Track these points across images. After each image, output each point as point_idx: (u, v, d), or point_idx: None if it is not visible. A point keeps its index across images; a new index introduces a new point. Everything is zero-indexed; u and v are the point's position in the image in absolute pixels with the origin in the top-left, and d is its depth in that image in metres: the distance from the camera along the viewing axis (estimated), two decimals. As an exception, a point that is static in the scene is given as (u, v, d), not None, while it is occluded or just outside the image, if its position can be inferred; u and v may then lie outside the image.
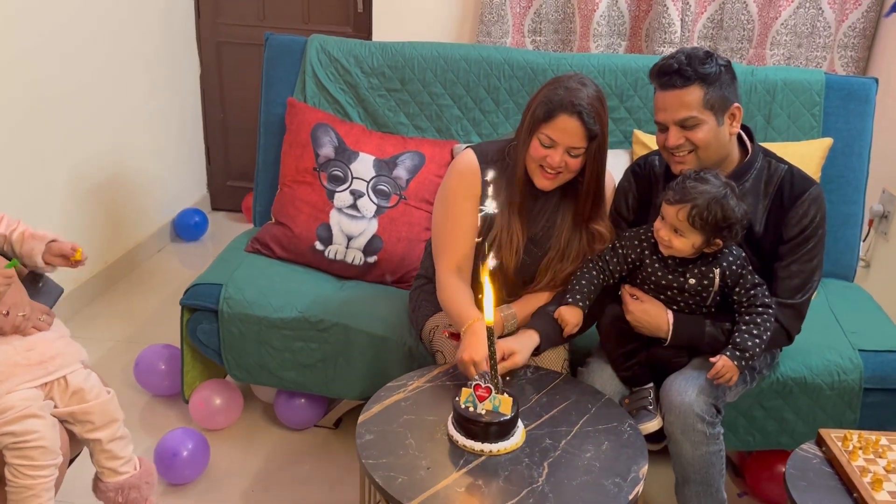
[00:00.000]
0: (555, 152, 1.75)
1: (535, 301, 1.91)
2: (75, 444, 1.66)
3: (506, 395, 1.46)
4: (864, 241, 2.81)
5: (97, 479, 1.71)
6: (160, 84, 3.45)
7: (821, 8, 2.99)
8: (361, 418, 1.53)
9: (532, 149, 1.78)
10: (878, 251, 2.86)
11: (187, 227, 3.63)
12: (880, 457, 1.57)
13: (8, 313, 1.53)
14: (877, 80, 2.41)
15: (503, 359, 1.68)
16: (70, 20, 2.79)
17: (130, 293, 3.15)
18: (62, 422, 1.62)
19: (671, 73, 1.70)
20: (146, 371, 2.43)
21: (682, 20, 3.08)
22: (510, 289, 1.92)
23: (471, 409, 1.45)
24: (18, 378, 1.52)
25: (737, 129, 1.77)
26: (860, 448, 1.59)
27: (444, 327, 1.88)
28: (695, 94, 1.69)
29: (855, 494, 1.48)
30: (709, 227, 1.65)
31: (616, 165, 2.18)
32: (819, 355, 1.98)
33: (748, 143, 1.83)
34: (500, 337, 1.79)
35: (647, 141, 2.39)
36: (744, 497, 2.16)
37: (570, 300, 1.79)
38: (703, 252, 1.72)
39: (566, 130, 1.73)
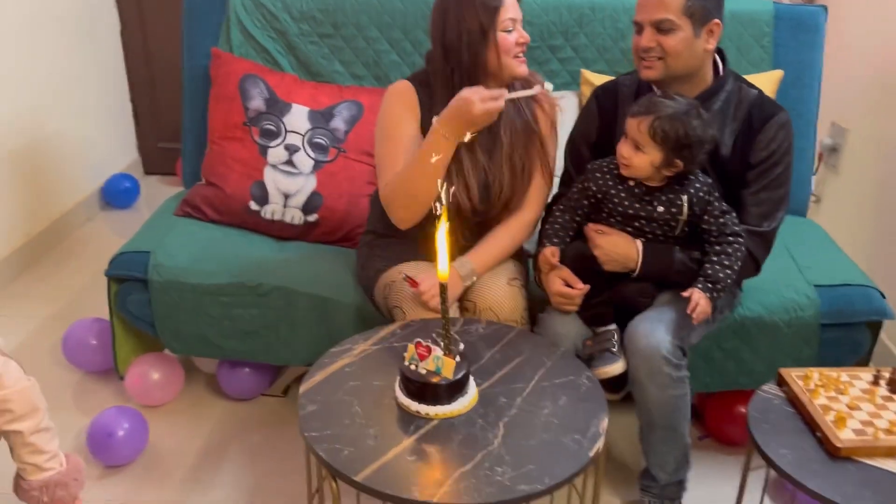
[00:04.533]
0: (517, 31, 1.74)
1: (492, 247, 1.83)
2: None
3: (451, 356, 1.36)
4: (814, 175, 2.79)
5: (18, 478, 1.56)
6: (77, 42, 3.20)
7: (767, -64, 2.90)
8: (303, 388, 1.42)
9: (503, 43, 1.72)
10: (829, 185, 2.84)
11: (117, 194, 3.43)
12: (842, 394, 1.54)
13: None
14: (825, 9, 2.34)
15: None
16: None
17: (57, 267, 2.96)
18: None
19: None
20: (76, 347, 2.28)
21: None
22: (466, 229, 1.84)
23: (413, 367, 1.36)
24: None
25: (712, 45, 1.69)
26: (821, 386, 1.55)
27: (401, 281, 1.77)
28: None
29: (818, 433, 1.44)
30: (670, 142, 1.59)
31: (564, 108, 2.09)
32: (775, 293, 1.93)
33: (721, 67, 1.76)
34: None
35: (595, 81, 2.28)
36: (705, 440, 2.13)
37: (546, 243, 1.75)
38: (668, 178, 1.65)
39: (513, 5, 1.73)
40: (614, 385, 1.69)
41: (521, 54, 1.75)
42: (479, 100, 1.66)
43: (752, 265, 1.75)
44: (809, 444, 1.43)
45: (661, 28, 1.63)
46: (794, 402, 1.55)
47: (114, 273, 2.04)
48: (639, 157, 1.63)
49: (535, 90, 1.77)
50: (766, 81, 2.26)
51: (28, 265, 2.92)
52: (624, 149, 1.65)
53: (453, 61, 1.75)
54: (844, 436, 1.42)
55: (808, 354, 1.93)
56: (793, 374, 1.59)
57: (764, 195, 1.72)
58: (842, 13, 2.73)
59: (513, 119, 1.81)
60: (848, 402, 1.51)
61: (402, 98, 1.80)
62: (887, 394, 1.55)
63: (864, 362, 1.99)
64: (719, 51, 1.77)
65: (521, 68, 1.76)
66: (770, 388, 1.60)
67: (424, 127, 1.78)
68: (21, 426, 1.48)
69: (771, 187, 1.72)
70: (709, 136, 1.62)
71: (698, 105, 1.63)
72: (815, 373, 1.58)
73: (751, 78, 2.25)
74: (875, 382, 1.58)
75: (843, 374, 1.59)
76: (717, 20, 1.67)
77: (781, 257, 2.09)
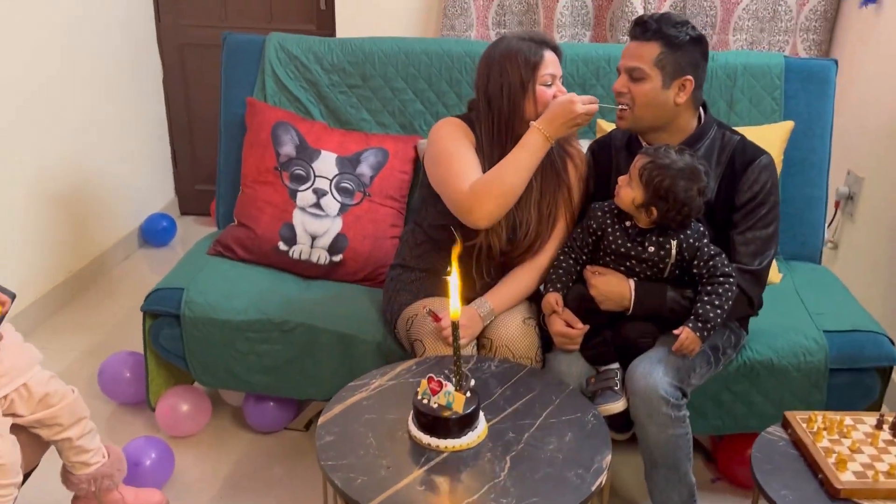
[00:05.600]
0: (555, 86, 1.87)
1: (510, 288, 1.91)
2: (36, 453, 1.63)
3: (462, 392, 1.43)
4: (831, 223, 2.83)
5: (67, 473, 1.70)
6: (122, 89, 3.39)
7: (781, -8, 3.00)
8: (322, 419, 1.50)
9: (541, 96, 1.84)
10: (846, 232, 2.88)
11: (155, 233, 3.59)
12: (845, 437, 1.57)
13: None
14: (836, 62, 2.42)
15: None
16: (25, 25, 2.73)
17: (97, 302, 3.10)
18: (31, 428, 1.58)
19: (639, 25, 1.77)
20: (111, 380, 2.39)
21: (644, 8, 3.08)
22: (491, 267, 1.93)
23: (425, 401, 1.43)
24: None
25: (683, 99, 1.79)
26: (825, 429, 1.58)
27: (424, 315, 1.86)
28: (651, 49, 1.75)
29: (820, 476, 1.48)
30: (650, 187, 1.69)
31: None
32: (784, 337, 1.97)
33: (703, 116, 1.86)
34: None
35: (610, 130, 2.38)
36: (717, 482, 2.16)
37: (550, 289, 1.85)
38: (658, 221, 1.74)
39: (553, 62, 1.87)
40: (620, 424, 1.74)
41: None
42: (580, 101, 1.78)
43: (746, 302, 1.81)
44: (811, 485, 1.47)
45: (633, 76, 1.77)
46: (797, 444, 1.59)
47: (149, 308, 2.15)
48: (626, 189, 1.74)
49: (620, 107, 1.86)
50: (778, 132, 2.34)
51: (69, 300, 3.06)
52: (621, 178, 1.76)
53: (494, 109, 1.88)
54: (845, 478, 1.45)
55: (818, 398, 1.96)
56: (797, 417, 1.63)
57: (751, 235, 1.80)
58: (854, 66, 2.80)
59: (545, 167, 1.91)
60: (850, 444, 1.55)
61: (457, 126, 1.93)
62: (890, 438, 1.58)
63: (875, 407, 2.01)
64: (703, 104, 1.88)
65: None
66: (775, 431, 1.64)
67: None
68: (69, 434, 1.62)
69: (758, 227, 1.80)
70: (692, 203, 1.70)
71: (701, 172, 1.70)
72: (819, 416, 1.62)
73: (762, 128, 2.35)
74: (878, 426, 1.61)
75: (846, 418, 1.63)
76: (689, 77, 1.76)
77: (792, 303, 2.14)
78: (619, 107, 1.84)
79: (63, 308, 3.02)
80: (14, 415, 1.54)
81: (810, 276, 2.30)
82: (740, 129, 2.21)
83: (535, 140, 1.80)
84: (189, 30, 3.64)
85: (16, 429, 1.57)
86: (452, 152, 1.88)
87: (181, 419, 2.25)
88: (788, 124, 2.35)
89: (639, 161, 1.73)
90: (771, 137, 2.32)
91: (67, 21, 2.97)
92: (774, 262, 2.30)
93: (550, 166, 1.93)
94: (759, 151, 1.82)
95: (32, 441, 1.61)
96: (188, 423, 2.27)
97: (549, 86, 1.86)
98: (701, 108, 1.87)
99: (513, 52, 1.85)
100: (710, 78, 2.41)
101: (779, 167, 2.32)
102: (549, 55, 1.86)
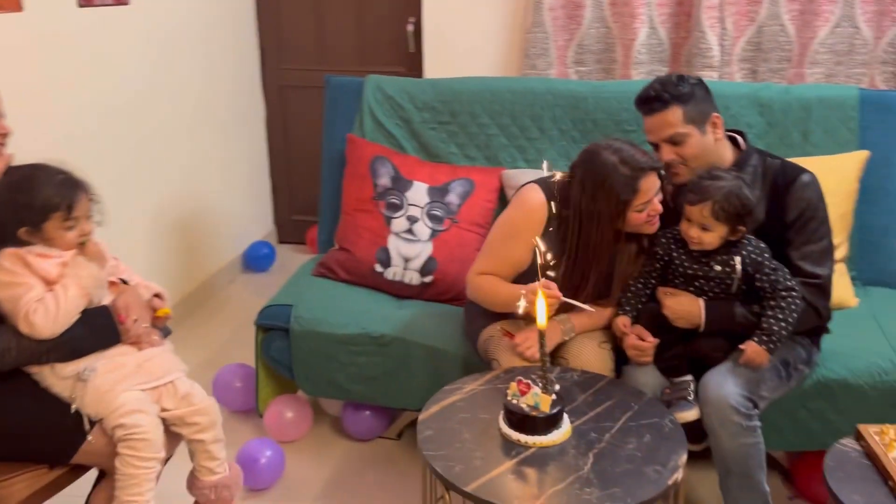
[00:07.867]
0: (651, 206, 1.88)
1: (595, 315, 2.00)
2: (171, 444, 1.85)
3: (548, 394, 1.58)
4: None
5: (193, 477, 1.89)
6: (230, 128, 3.74)
7: (857, 27, 3.06)
8: (422, 416, 1.68)
9: (633, 220, 1.89)
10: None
11: (256, 259, 3.88)
12: (916, 448, 1.64)
13: (136, 321, 1.76)
14: (912, 93, 2.48)
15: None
16: (149, 74, 3.08)
17: (206, 321, 3.39)
18: (172, 425, 1.79)
19: (650, 100, 1.91)
20: (223, 388, 2.63)
21: (721, 45, 3.19)
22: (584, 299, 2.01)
23: (515, 402, 1.59)
24: (132, 381, 1.73)
25: (720, 134, 1.95)
26: (896, 440, 1.65)
27: (500, 336, 2.01)
28: (675, 113, 1.89)
29: (890, 483, 1.55)
30: (732, 217, 1.81)
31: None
32: (860, 358, 2.04)
33: (743, 145, 2.00)
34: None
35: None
36: (794, 500, 2.21)
37: (620, 312, 1.99)
38: (727, 241, 1.86)
39: (651, 188, 1.87)
40: (694, 435, 1.84)
41: (653, 218, 1.91)
42: (527, 290, 1.78)
43: (814, 313, 1.91)
44: (882, 492, 1.55)
45: (674, 141, 1.91)
46: (870, 455, 1.66)
47: (262, 322, 2.40)
48: (708, 235, 1.85)
49: (587, 308, 1.90)
50: (852, 161, 2.42)
51: (183, 319, 3.36)
52: (692, 231, 1.85)
53: (584, 228, 1.91)
54: (915, 485, 1.52)
55: (894, 417, 2.00)
56: (870, 430, 1.70)
57: (807, 249, 1.91)
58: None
59: (622, 261, 2.01)
60: (922, 455, 1.61)
61: (530, 218, 1.98)
62: (963, 450, 1.63)
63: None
64: (741, 133, 2.02)
65: (652, 229, 1.93)
66: (848, 443, 1.72)
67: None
68: (205, 436, 1.82)
69: (813, 240, 1.91)
70: (755, 197, 1.84)
71: (742, 175, 1.85)
72: (891, 429, 1.69)
73: (837, 157, 2.43)
74: (951, 440, 1.66)
75: (919, 431, 1.69)
76: (715, 114, 1.92)
77: (868, 326, 2.20)
78: (587, 306, 1.87)
79: (178, 326, 3.30)
80: (162, 408, 1.78)
81: (887, 302, 2.35)
82: (815, 159, 2.31)
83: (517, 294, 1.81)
84: (289, 73, 3.97)
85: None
86: (501, 236, 2.03)
87: (286, 425, 2.47)
88: (863, 154, 2.42)
89: (703, 210, 1.80)
90: (845, 166, 2.41)
91: (184, 68, 3.32)
92: (851, 287, 2.37)
93: (629, 261, 2.02)
94: (800, 170, 1.94)
95: (170, 435, 1.84)
96: (292, 429, 2.49)
97: (642, 211, 1.87)
98: (740, 137, 2.00)
99: (608, 184, 1.84)
100: (784, 110, 2.52)
101: (854, 195, 2.40)
102: (646, 183, 1.85)
